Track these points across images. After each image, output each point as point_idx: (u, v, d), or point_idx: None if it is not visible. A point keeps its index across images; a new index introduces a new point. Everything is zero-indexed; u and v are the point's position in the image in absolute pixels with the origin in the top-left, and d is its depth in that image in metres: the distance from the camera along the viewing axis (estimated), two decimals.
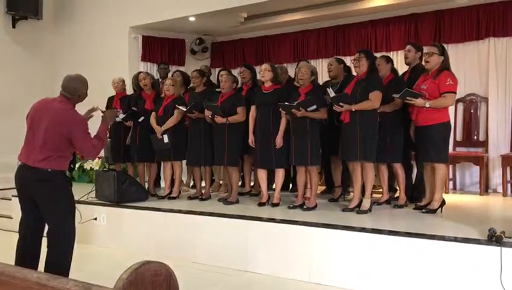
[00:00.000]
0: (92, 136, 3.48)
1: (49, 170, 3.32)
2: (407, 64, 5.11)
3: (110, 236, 5.24)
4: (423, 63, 4.61)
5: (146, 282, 1.53)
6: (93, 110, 3.79)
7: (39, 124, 3.36)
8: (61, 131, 3.30)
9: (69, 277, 3.04)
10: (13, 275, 1.72)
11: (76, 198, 5.36)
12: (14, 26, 7.84)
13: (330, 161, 5.37)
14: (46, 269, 3.28)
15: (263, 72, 4.98)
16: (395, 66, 5.34)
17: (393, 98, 4.59)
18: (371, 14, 6.86)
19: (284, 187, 5.43)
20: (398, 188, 5.04)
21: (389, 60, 4.99)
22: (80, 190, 5.76)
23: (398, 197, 4.96)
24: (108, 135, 6.02)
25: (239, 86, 5.83)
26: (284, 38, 7.74)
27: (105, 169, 5.86)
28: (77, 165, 7.49)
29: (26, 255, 3.42)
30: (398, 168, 4.81)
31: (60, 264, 3.33)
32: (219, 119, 5.09)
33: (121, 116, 5.76)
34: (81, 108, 3.58)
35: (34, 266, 3.36)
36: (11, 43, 7.83)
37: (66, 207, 3.43)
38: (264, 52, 7.98)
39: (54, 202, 3.36)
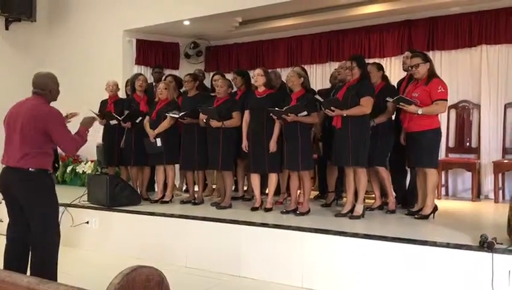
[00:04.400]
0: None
1: (30, 169, 3.30)
2: (405, 70, 5.14)
3: (101, 240, 5.20)
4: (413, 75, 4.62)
5: (138, 287, 1.52)
6: (71, 115, 3.76)
7: (15, 124, 3.35)
8: (37, 125, 3.29)
9: (60, 281, 3.02)
10: (3, 279, 1.70)
11: (68, 201, 5.40)
12: (7, 28, 7.79)
13: (327, 166, 5.38)
14: (32, 271, 3.26)
15: (256, 77, 4.99)
16: (388, 72, 5.37)
17: (385, 106, 4.63)
18: (364, 20, 6.90)
19: (277, 192, 5.42)
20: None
21: (380, 68, 5.02)
22: (72, 194, 5.73)
23: None
24: (101, 138, 6.03)
25: (234, 90, 5.84)
26: (278, 43, 7.76)
27: (97, 173, 5.83)
28: (69, 169, 7.46)
29: (14, 259, 3.39)
30: (383, 171, 4.83)
31: (44, 265, 3.30)
32: (214, 123, 5.09)
33: (113, 122, 5.77)
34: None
35: (23, 270, 3.33)
36: (4, 44, 7.78)
37: (48, 207, 3.40)
38: (258, 57, 7.98)
39: (36, 202, 3.34)
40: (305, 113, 4.60)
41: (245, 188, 5.93)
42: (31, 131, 3.29)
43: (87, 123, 3.64)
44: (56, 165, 3.60)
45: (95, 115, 3.78)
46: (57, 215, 3.48)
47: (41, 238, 3.33)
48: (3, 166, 3.44)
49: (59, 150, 3.82)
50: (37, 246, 3.34)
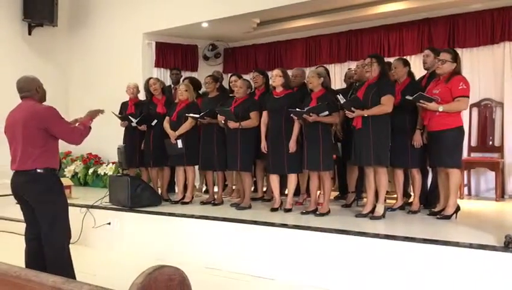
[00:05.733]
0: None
1: (37, 170, 3.36)
2: (426, 69, 5.06)
3: (123, 241, 5.27)
4: (435, 69, 4.55)
5: (160, 287, 1.53)
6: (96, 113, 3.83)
7: (16, 130, 3.42)
8: (36, 124, 3.35)
9: (81, 280, 3.07)
10: (30, 279, 1.74)
11: (90, 203, 5.48)
12: (30, 33, 7.97)
13: (346, 166, 5.34)
14: (48, 269, 3.32)
15: (274, 78, 4.99)
16: None
17: (409, 102, 4.55)
18: (383, 19, 6.84)
19: (297, 193, 5.41)
20: (412, 193, 5.00)
21: (406, 64, 4.89)
22: (94, 195, 5.83)
23: (412, 202, 4.91)
24: (123, 140, 6.11)
25: (252, 90, 5.85)
26: (296, 43, 7.75)
27: (119, 174, 5.90)
28: (91, 170, 7.57)
29: (33, 260, 3.47)
30: (416, 173, 4.77)
31: (57, 262, 3.37)
32: (232, 124, 5.11)
33: (133, 124, 5.84)
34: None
35: (42, 270, 3.40)
36: (27, 49, 7.95)
37: (56, 207, 3.45)
38: (276, 58, 7.99)
39: (45, 202, 3.40)
40: (326, 113, 4.58)
41: (264, 188, 5.93)
42: (33, 131, 3.35)
43: (92, 113, 3.72)
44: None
45: (101, 109, 3.82)
46: (66, 215, 3.53)
47: (51, 238, 3.39)
48: (13, 171, 3.50)
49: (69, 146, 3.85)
50: (47, 245, 3.40)
